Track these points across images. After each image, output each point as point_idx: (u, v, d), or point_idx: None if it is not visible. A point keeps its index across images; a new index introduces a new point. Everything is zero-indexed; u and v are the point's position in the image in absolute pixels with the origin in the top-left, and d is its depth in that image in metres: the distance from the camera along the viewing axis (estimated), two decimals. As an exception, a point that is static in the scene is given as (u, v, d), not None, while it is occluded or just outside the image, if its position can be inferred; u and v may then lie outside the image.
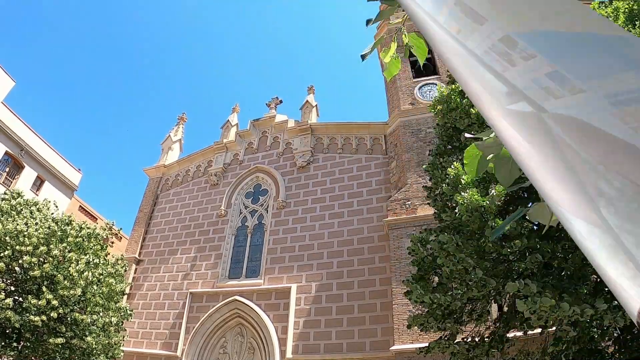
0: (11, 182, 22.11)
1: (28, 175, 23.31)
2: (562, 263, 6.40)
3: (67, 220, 13.57)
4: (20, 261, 11.52)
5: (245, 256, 19.96)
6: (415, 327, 13.59)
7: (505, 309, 8.25)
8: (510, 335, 8.25)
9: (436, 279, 8.04)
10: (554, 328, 7.28)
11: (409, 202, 16.74)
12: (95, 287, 12.40)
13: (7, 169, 22.68)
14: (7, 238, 11.64)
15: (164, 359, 18.21)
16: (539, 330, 8.92)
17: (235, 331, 18.27)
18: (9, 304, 10.81)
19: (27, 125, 23.79)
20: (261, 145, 23.43)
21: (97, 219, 21.13)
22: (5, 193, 14.62)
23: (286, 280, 18.14)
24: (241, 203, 21.88)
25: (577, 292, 5.70)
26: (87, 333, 11.90)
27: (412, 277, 8.16)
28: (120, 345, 14.17)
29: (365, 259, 17.31)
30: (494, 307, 8.69)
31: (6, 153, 22.33)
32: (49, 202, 15.22)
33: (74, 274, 11.68)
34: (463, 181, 7.27)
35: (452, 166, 7.78)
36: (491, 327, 8.42)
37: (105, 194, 70.60)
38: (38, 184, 23.93)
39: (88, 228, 13.74)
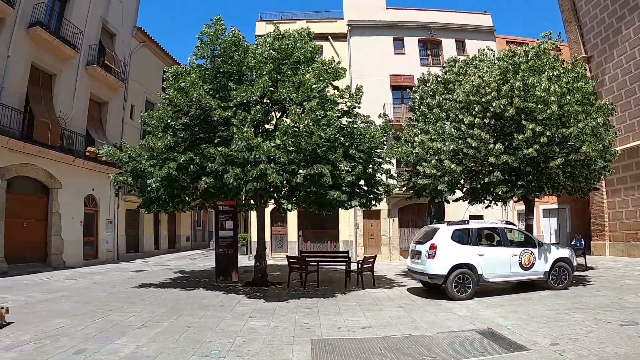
0: (438, 59, 26.18)
1: (447, 45, 26.73)
2: None
3: (510, 54, 13.41)
4: (491, 110, 12.20)
5: None
6: None
7: None
8: None
9: None
10: None
11: None
12: (568, 97, 12.05)
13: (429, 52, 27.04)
14: (471, 97, 12.62)
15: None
16: None
17: None
18: (501, 149, 11.94)
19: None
20: None
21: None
22: (443, 66, 15.90)
23: None
24: None
25: None
26: (579, 144, 12.12)
27: None
28: (613, 145, 13.87)
29: None
30: None
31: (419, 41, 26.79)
32: (484, 50, 15.80)
33: (542, 95, 11.62)
34: None
35: None
36: None
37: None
38: (459, 46, 26.67)
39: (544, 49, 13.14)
